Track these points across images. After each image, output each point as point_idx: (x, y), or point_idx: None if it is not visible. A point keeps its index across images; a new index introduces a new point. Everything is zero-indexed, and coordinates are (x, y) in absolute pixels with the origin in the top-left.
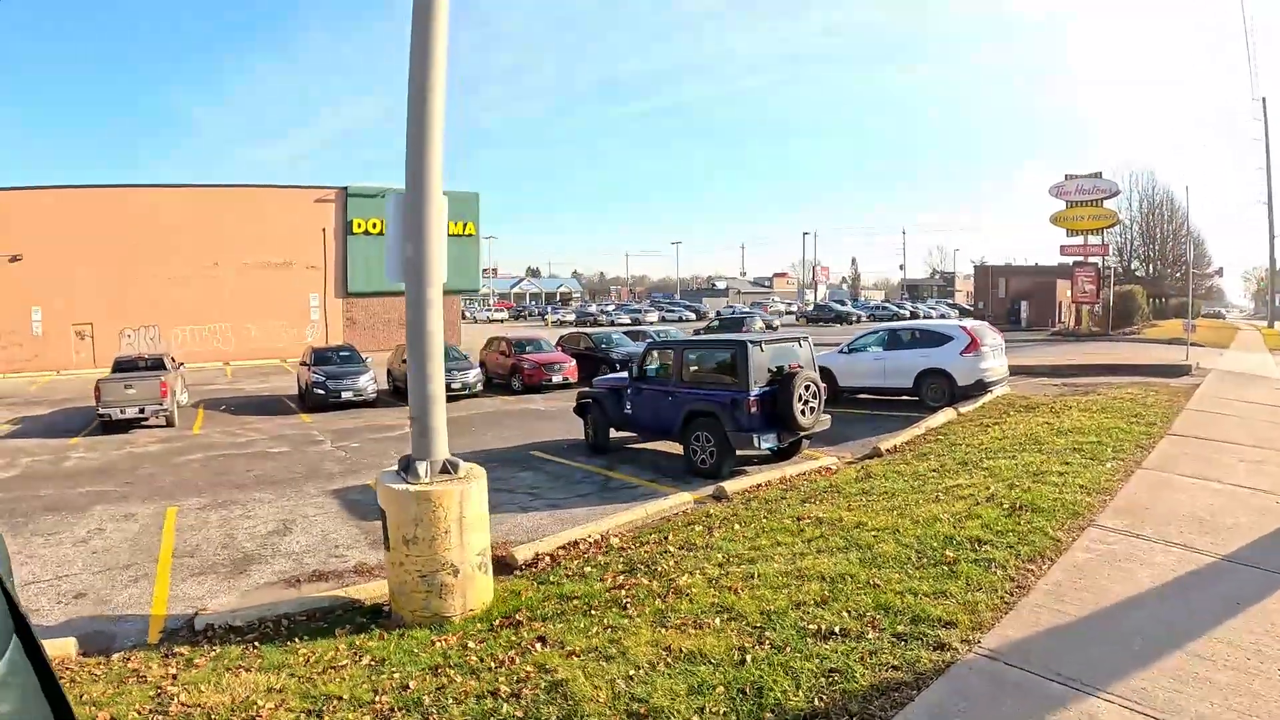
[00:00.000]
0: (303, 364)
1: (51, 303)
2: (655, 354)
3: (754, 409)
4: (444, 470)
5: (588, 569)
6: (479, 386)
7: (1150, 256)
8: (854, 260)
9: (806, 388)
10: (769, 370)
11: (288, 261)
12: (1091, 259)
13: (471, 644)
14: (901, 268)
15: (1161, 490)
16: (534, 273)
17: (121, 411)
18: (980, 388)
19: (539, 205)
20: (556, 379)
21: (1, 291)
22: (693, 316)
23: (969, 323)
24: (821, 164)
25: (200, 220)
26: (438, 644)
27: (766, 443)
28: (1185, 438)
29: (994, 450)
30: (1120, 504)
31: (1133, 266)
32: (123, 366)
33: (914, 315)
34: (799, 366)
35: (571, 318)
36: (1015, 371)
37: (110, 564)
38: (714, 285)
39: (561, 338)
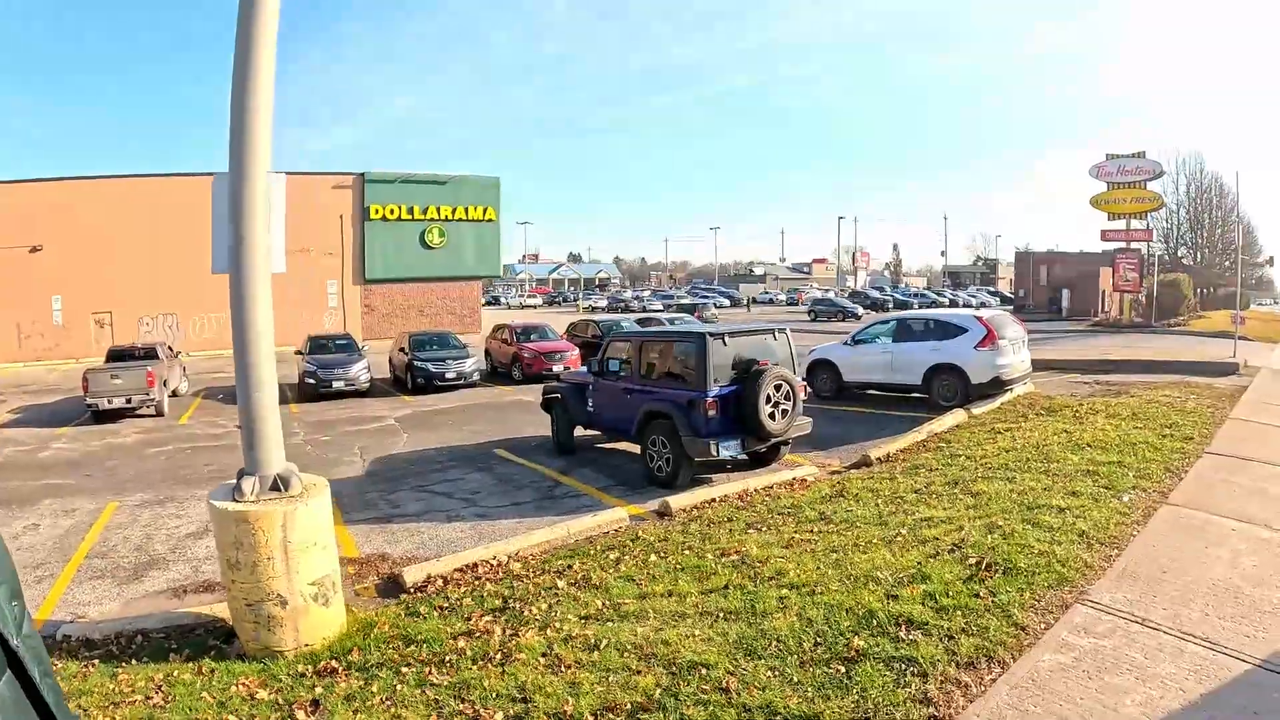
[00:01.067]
0: (297, 353)
1: (71, 292)
2: (615, 346)
3: (712, 412)
4: (274, 486)
5: (465, 601)
6: (475, 376)
7: (1198, 244)
8: (895, 246)
9: (777, 387)
10: (733, 367)
11: (305, 248)
12: (1134, 245)
13: (263, 693)
14: (943, 254)
15: (1189, 540)
16: (575, 258)
17: (109, 402)
18: (997, 386)
19: (583, 192)
20: (558, 368)
21: (22, 282)
22: (726, 303)
23: (986, 312)
24: (866, 150)
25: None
26: (234, 688)
27: (727, 451)
28: (1227, 458)
29: (994, 467)
30: (1129, 564)
31: (1179, 254)
32: (115, 356)
33: (937, 304)
34: (770, 363)
35: (604, 303)
36: (1046, 367)
37: (26, 562)
38: (751, 271)
39: (570, 325)
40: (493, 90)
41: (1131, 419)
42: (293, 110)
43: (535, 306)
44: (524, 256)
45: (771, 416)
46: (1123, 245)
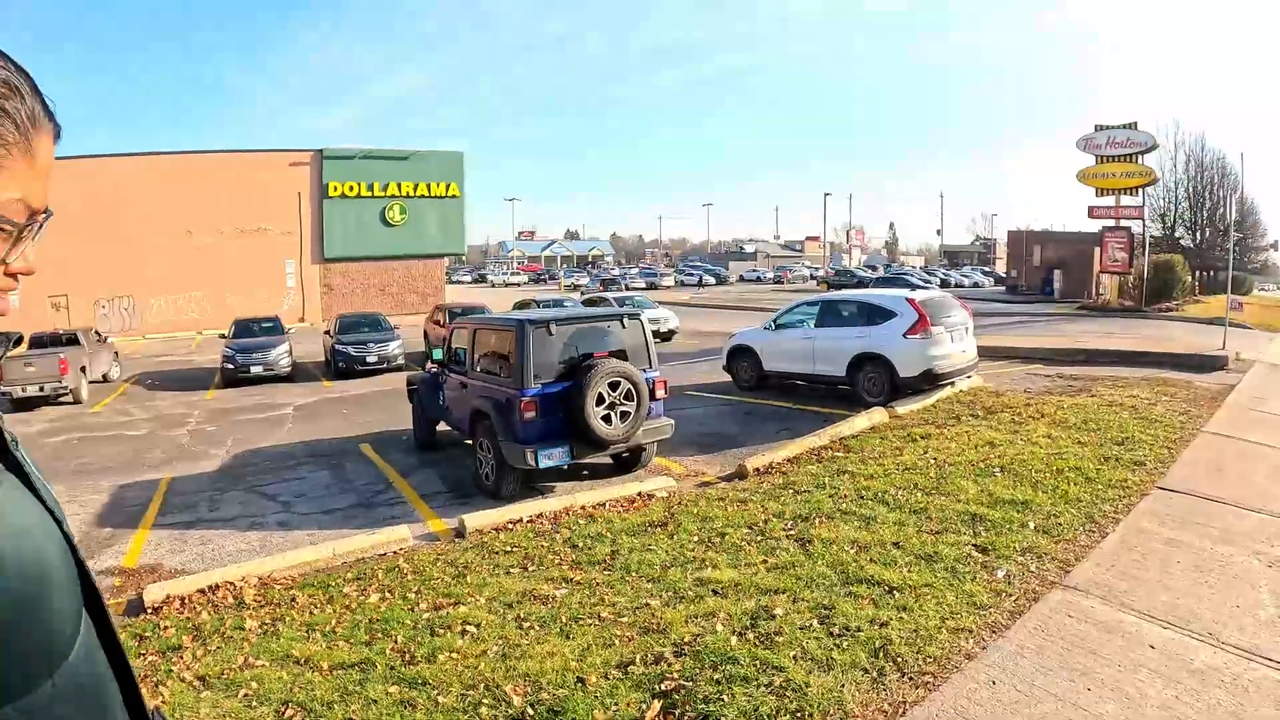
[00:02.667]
0: (221, 336)
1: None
2: (457, 333)
3: (530, 414)
4: None
5: (166, 631)
6: (400, 360)
7: (1198, 224)
8: (891, 225)
9: (613, 385)
10: (564, 361)
11: (262, 228)
12: (1124, 222)
13: None
14: (939, 233)
15: (1064, 680)
16: (573, 235)
17: (22, 390)
18: (929, 380)
19: (584, 170)
20: None
21: None
22: (713, 281)
23: (921, 294)
24: (867, 128)
25: (174, 188)
26: None
27: (549, 459)
28: (1183, 498)
29: (867, 496)
30: None
31: (1178, 235)
32: (37, 343)
33: (927, 283)
34: (607, 356)
35: (585, 281)
36: (1009, 356)
37: None
38: (741, 248)
39: (515, 304)
40: (496, 68)
41: (1079, 429)
42: (292, 89)
43: (519, 285)
44: (519, 233)
45: (606, 420)
46: (1111, 223)
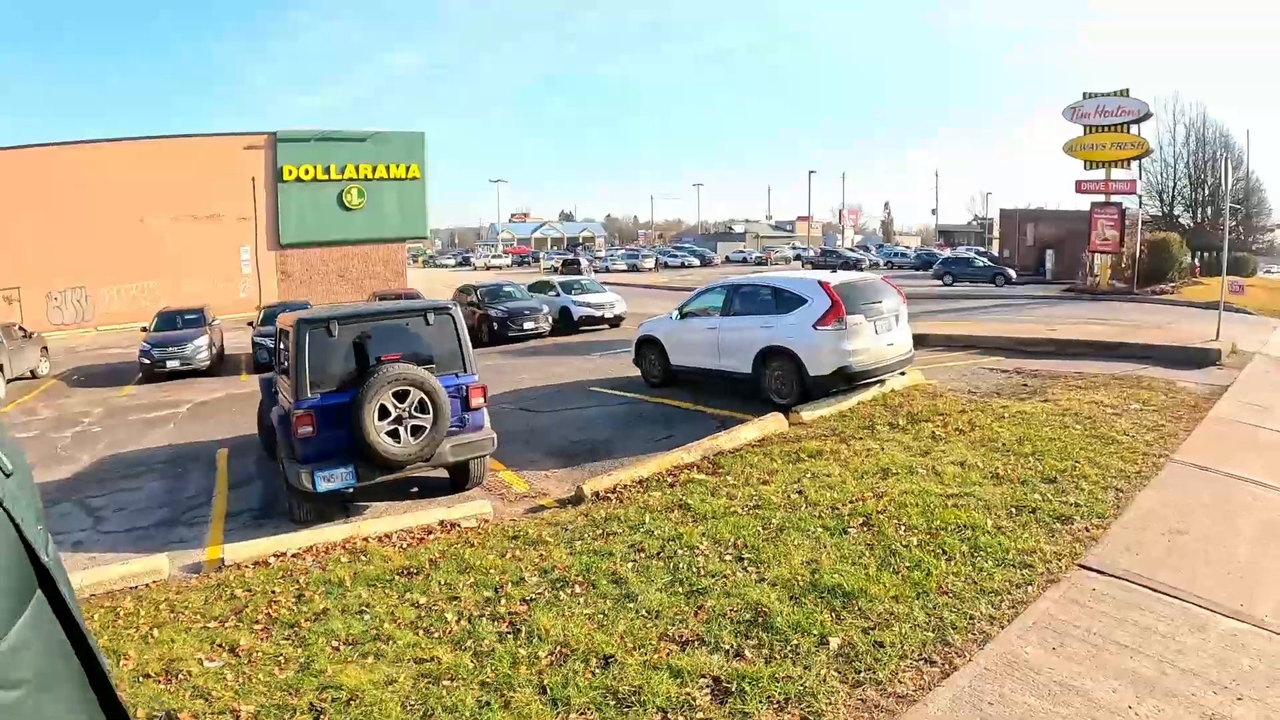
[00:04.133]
0: (143, 329)
1: None
2: (282, 333)
3: (306, 428)
4: None
5: None
6: (205, 364)
7: (1199, 201)
8: (886, 204)
9: (401, 395)
10: (349, 366)
11: (216, 214)
12: (1115, 198)
13: None
14: (934, 212)
15: None
16: (568, 216)
17: None
18: (842, 380)
19: (581, 150)
20: None
21: None
22: (696, 262)
23: (839, 278)
24: (866, 106)
25: (126, 176)
26: None
27: (329, 482)
28: (1119, 585)
29: (666, 555)
30: None
31: (1176, 213)
32: None
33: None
34: (397, 360)
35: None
36: (968, 346)
37: None
38: (730, 229)
39: (458, 289)
40: (491, 48)
41: (1007, 453)
42: (283, 70)
43: (501, 268)
44: (512, 215)
45: (394, 435)
46: (1101, 198)
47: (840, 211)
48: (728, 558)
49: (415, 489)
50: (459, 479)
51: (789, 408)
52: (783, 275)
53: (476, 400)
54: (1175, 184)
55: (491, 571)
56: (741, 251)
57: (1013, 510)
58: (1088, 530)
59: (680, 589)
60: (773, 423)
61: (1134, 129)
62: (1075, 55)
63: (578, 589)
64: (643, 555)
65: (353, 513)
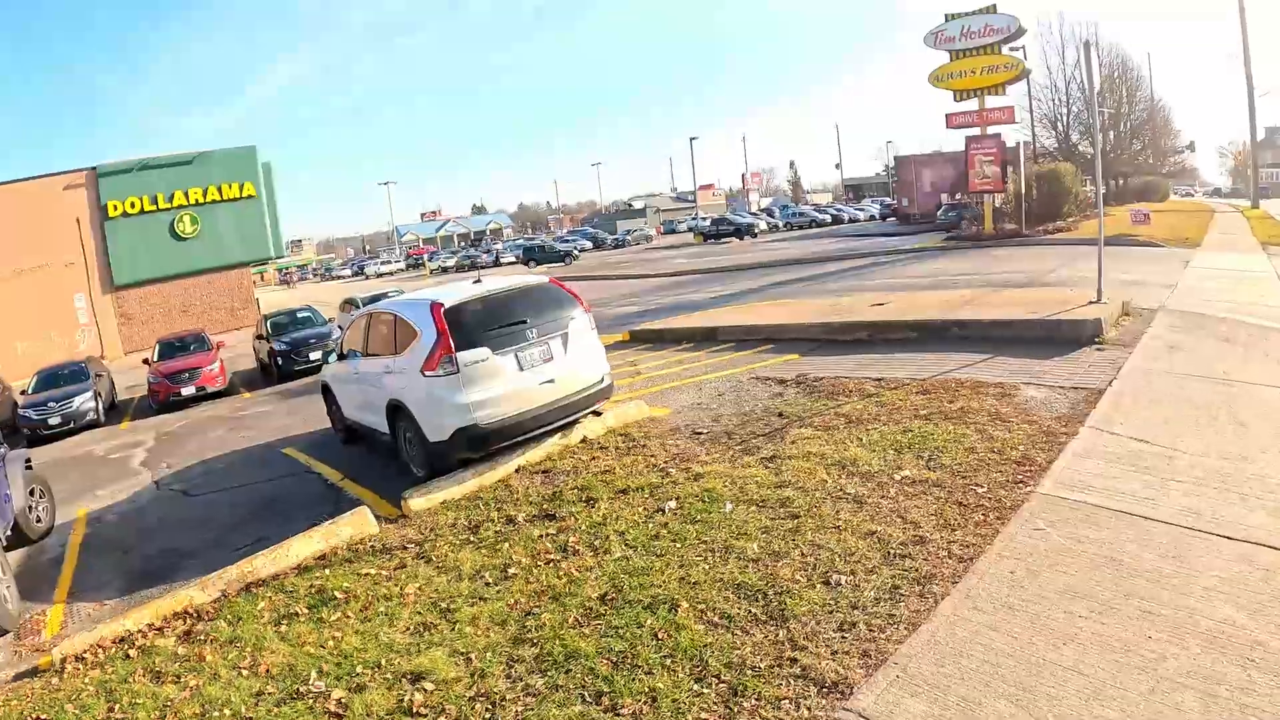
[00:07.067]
0: (22, 392)
1: None
2: None
3: None
4: None
5: None
6: (92, 419)
7: (1100, 127)
8: (792, 164)
9: None
10: None
11: (43, 264)
12: (993, 129)
13: None
14: (838, 166)
15: None
16: (480, 210)
17: None
18: (472, 446)
19: (484, 142)
20: (189, 391)
21: None
22: (590, 246)
23: (470, 291)
24: (765, 66)
25: None
26: None
27: None
28: None
29: None
30: None
31: (1073, 141)
32: None
33: (834, 221)
34: None
35: (452, 263)
36: (768, 339)
37: None
38: (630, 205)
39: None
40: (381, 47)
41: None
42: (168, 95)
43: (393, 274)
44: (422, 215)
45: None
46: (976, 131)
47: (743, 175)
48: None
49: None
50: None
51: (413, 490)
52: (412, 296)
53: None
54: (1070, 110)
55: None
56: (632, 230)
57: None
58: None
59: None
60: (352, 524)
61: (1006, 49)
62: None
63: None
64: None
65: None
